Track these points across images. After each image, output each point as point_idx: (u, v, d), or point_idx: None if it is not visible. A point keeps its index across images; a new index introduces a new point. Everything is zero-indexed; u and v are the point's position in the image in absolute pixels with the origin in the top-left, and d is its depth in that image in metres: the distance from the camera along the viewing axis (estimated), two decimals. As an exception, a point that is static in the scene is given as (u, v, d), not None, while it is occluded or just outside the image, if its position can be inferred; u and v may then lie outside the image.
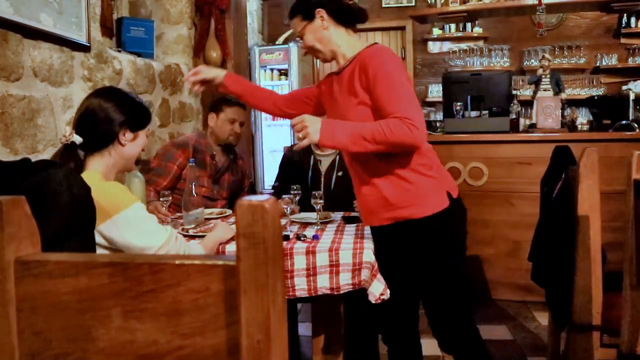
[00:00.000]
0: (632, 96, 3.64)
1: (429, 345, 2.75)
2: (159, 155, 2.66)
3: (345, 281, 1.81)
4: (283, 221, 2.10)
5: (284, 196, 2.29)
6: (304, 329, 2.80)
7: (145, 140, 1.68)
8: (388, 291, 1.85)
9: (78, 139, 1.56)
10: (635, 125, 3.30)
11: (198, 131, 2.86)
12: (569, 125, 3.75)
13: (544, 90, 3.72)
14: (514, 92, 4.05)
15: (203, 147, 2.71)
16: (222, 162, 2.77)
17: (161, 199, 2.34)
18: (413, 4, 6.16)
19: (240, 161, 2.91)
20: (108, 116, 1.57)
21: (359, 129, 1.55)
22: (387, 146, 1.54)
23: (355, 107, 1.65)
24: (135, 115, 1.63)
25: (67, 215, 1.18)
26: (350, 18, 1.76)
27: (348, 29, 1.77)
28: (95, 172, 1.58)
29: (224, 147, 2.76)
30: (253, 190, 2.90)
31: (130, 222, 1.51)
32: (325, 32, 1.72)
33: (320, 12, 1.71)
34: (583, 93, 5.49)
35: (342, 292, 1.83)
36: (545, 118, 3.43)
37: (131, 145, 1.62)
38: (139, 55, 3.24)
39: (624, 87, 5.06)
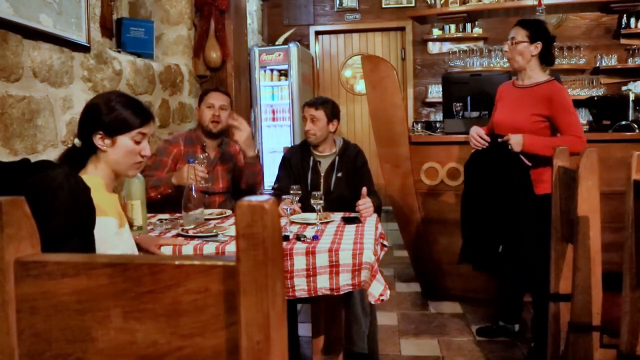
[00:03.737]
0: (631, 97, 3.64)
1: (430, 346, 2.75)
2: (152, 153, 2.68)
3: (345, 282, 1.81)
4: (283, 221, 2.10)
5: (284, 196, 2.29)
6: (304, 329, 2.80)
7: (130, 146, 1.58)
8: (388, 292, 1.85)
9: (77, 142, 1.58)
10: (635, 125, 3.29)
11: (190, 128, 2.90)
12: (569, 126, 3.74)
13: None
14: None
15: (194, 140, 2.73)
16: (214, 154, 2.78)
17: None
18: (413, 4, 6.16)
19: (233, 147, 2.89)
20: (85, 118, 1.58)
21: (550, 141, 2.39)
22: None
23: (530, 116, 2.44)
24: (109, 120, 1.55)
25: (67, 216, 1.18)
26: (547, 60, 2.55)
27: (542, 65, 2.54)
28: (92, 176, 1.57)
29: (209, 135, 2.75)
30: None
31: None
32: (532, 55, 2.48)
33: (539, 45, 2.47)
34: (583, 94, 5.48)
35: (341, 292, 1.84)
36: (545, 118, 3.42)
37: (112, 150, 1.57)
38: (138, 55, 3.24)
39: (624, 88, 5.06)
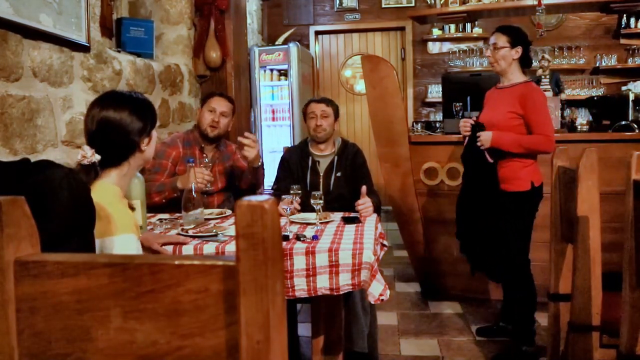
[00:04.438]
0: (631, 97, 3.64)
1: (429, 345, 2.75)
2: None
3: (344, 281, 1.81)
4: (282, 221, 2.10)
5: (283, 196, 2.29)
6: (304, 329, 2.80)
7: (155, 135, 1.65)
8: (388, 291, 1.85)
9: (98, 158, 1.49)
10: (635, 125, 3.29)
11: (188, 129, 2.89)
12: (569, 126, 3.74)
13: (544, 90, 3.72)
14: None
15: (192, 142, 2.73)
16: (211, 155, 2.77)
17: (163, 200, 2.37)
18: (413, 4, 6.16)
19: (232, 147, 2.89)
20: (126, 129, 1.52)
21: (517, 138, 2.52)
22: (528, 151, 2.53)
23: (505, 113, 2.57)
24: (149, 117, 1.59)
25: (67, 216, 1.18)
26: (526, 63, 2.66)
27: (521, 67, 2.65)
28: (109, 185, 1.54)
29: (207, 140, 2.75)
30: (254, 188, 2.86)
31: (112, 251, 1.46)
32: (513, 59, 2.61)
33: (519, 50, 2.60)
34: (582, 93, 5.49)
35: (341, 292, 1.83)
36: (545, 118, 3.42)
37: (149, 147, 1.61)
38: (138, 55, 3.24)
39: (624, 88, 5.06)
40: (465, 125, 2.66)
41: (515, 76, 2.65)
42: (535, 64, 4.66)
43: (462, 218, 2.74)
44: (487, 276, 2.90)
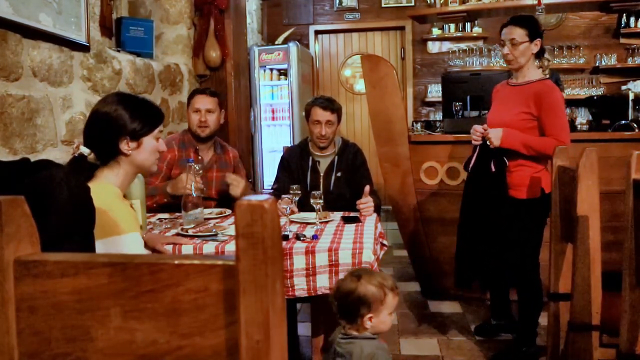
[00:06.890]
0: (631, 96, 3.64)
1: (429, 345, 2.75)
2: None
3: (344, 281, 1.81)
4: (282, 221, 2.10)
5: (283, 196, 2.29)
6: (304, 328, 2.80)
7: (154, 144, 1.61)
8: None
9: (86, 151, 1.52)
10: (635, 125, 3.30)
11: (183, 130, 2.86)
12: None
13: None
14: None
15: (187, 143, 2.70)
16: (208, 157, 2.74)
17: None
18: (412, 4, 6.16)
19: (230, 154, 2.84)
20: (105, 127, 1.52)
21: (527, 139, 2.37)
22: (538, 154, 2.39)
23: (518, 114, 2.42)
24: (137, 125, 1.56)
25: (66, 215, 1.18)
26: (540, 54, 2.48)
27: (536, 61, 2.49)
28: (109, 185, 1.55)
29: (200, 141, 2.71)
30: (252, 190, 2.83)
31: (122, 249, 1.47)
32: (532, 54, 2.44)
33: (538, 42, 2.43)
34: (582, 93, 5.48)
35: (341, 292, 1.83)
36: (545, 118, 3.42)
37: (137, 152, 1.57)
38: (138, 55, 3.24)
39: (623, 87, 5.06)
40: (475, 132, 2.49)
41: (532, 72, 2.47)
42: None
43: (467, 227, 2.57)
44: (482, 284, 2.81)
